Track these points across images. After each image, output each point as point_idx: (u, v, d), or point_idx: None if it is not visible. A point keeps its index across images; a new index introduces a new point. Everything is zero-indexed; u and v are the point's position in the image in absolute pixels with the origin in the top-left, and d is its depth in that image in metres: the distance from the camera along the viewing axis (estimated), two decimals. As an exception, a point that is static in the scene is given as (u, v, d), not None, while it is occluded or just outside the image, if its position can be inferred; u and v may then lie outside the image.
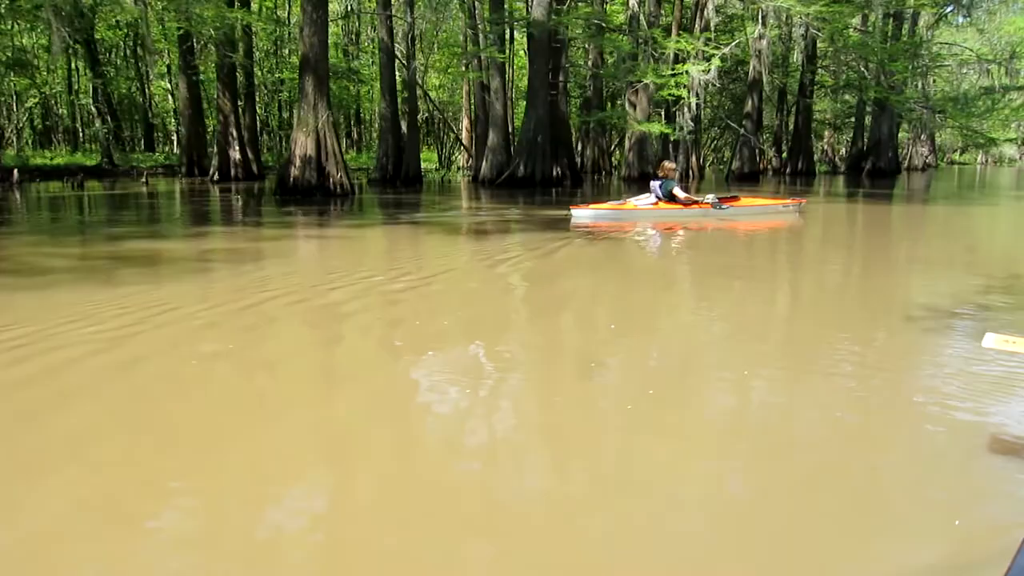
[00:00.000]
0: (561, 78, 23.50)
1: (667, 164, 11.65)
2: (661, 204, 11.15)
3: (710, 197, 11.18)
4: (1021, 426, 2.92)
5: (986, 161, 74.98)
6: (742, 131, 27.20)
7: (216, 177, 23.37)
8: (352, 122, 37.19)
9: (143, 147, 36.14)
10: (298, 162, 16.48)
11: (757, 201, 12.54)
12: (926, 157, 54.66)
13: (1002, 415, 3.03)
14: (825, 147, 48.18)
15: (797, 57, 34.16)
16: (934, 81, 51.16)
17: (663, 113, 25.61)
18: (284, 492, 2.41)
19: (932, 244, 10.32)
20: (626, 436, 2.89)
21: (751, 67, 27.23)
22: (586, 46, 27.09)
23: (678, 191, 11.14)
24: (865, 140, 36.76)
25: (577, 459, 2.72)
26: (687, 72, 17.08)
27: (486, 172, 21.66)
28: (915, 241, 10.63)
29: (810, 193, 19.90)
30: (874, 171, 35.09)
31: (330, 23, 21.40)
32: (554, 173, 23.57)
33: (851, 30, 24.17)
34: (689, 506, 2.34)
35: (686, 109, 19.04)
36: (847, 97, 35.08)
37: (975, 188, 27.18)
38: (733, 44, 18.05)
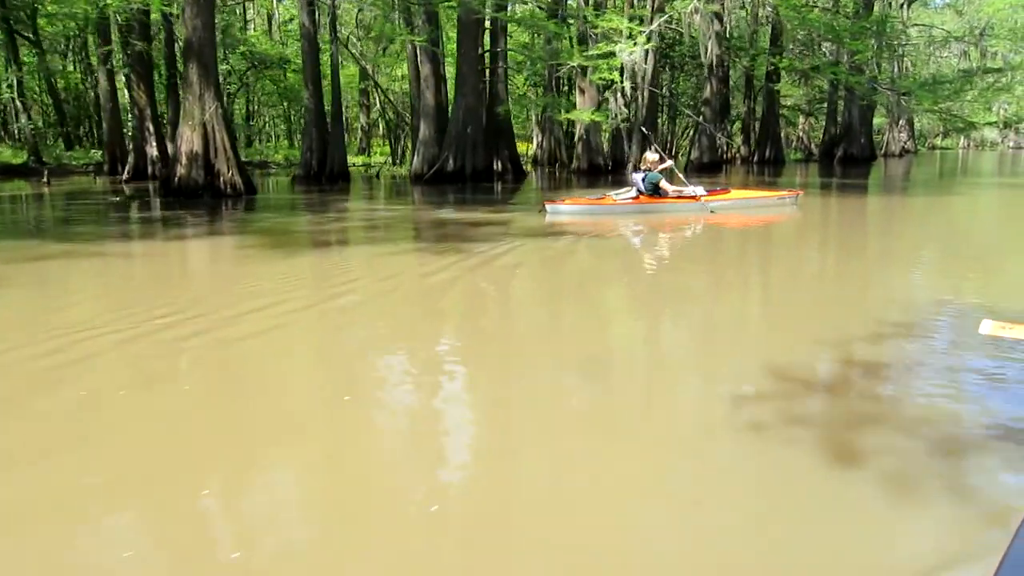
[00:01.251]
0: (501, 64, 21.80)
1: (649, 156, 10.89)
2: (643, 199, 10.52)
3: (698, 190, 10.68)
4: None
5: (968, 146, 73.63)
6: (699, 119, 25.55)
7: (128, 176, 21.58)
8: (294, 115, 35.24)
9: (96, 144, 34.10)
10: (184, 160, 14.74)
11: (750, 194, 11.82)
12: (904, 143, 53.18)
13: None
14: (801, 134, 46.61)
15: (766, 41, 32.52)
16: (913, 65, 49.69)
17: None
18: None
19: (901, 253, 8.75)
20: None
21: (708, 49, 25.57)
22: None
23: (665, 184, 10.51)
24: (838, 126, 35.21)
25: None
26: (615, 53, 15.36)
27: (418, 167, 19.93)
28: (879, 248, 9.06)
29: (775, 186, 18.42)
30: (846, 158, 33.54)
31: (241, 4, 19.58)
32: (494, 166, 21.92)
33: (816, 9, 22.50)
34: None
35: (619, 95, 17.37)
36: (818, 82, 33.39)
37: (950, 175, 25.66)
38: (662, 20, 16.18)
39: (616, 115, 18.11)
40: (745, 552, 2.08)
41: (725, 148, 34.67)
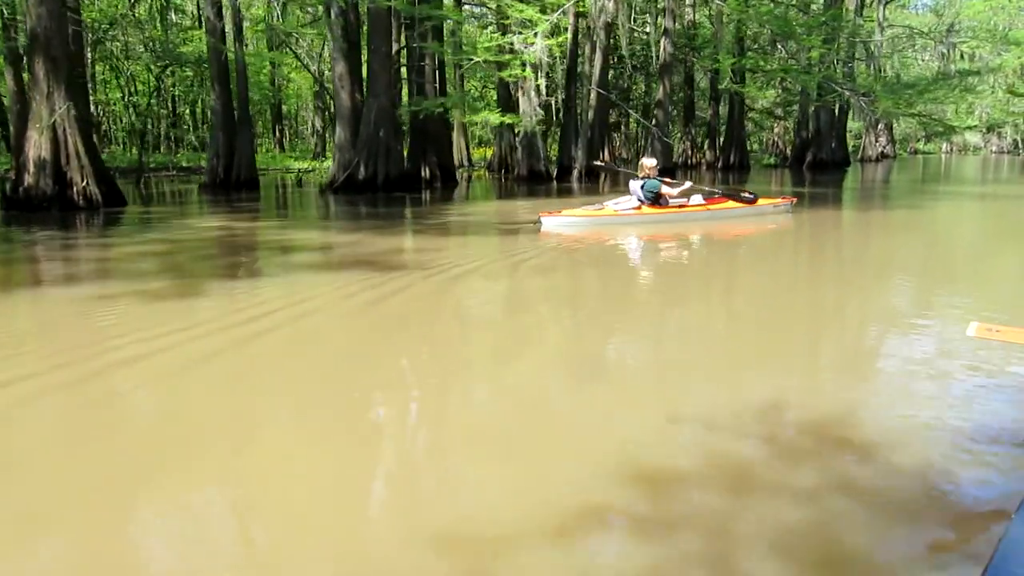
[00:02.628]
0: (428, 61, 19.98)
1: (646, 162, 10.29)
2: (645, 208, 9.88)
3: (696, 197, 10.30)
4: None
5: (951, 150, 72.36)
6: (653, 123, 23.83)
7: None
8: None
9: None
10: (31, 168, 12.87)
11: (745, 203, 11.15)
12: (884, 147, 51.68)
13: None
14: (776, 139, 45.00)
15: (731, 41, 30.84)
16: (892, 68, 48.20)
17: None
18: None
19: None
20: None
21: (661, 48, 23.88)
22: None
23: (667, 190, 9.93)
24: (810, 130, 33.55)
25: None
26: (514, 45, 13.51)
27: (333, 174, 18.07)
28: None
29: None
30: (815, 163, 31.87)
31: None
32: (423, 173, 20.11)
33: (771, 4, 20.79)
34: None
35: (532, 93, 15.60)
36: (790, 84, 31.71)
37: (921, 182, 23.99)
38: (570, 3, 14.19)
39: (531, 117, 16.31)
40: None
41: (690, 152, 33.03)
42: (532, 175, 21.66)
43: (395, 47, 18.40)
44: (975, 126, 55.93)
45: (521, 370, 4.14)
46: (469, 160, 31.63)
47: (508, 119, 14.61)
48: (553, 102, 27.55)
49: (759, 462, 2.71)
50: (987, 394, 3.33)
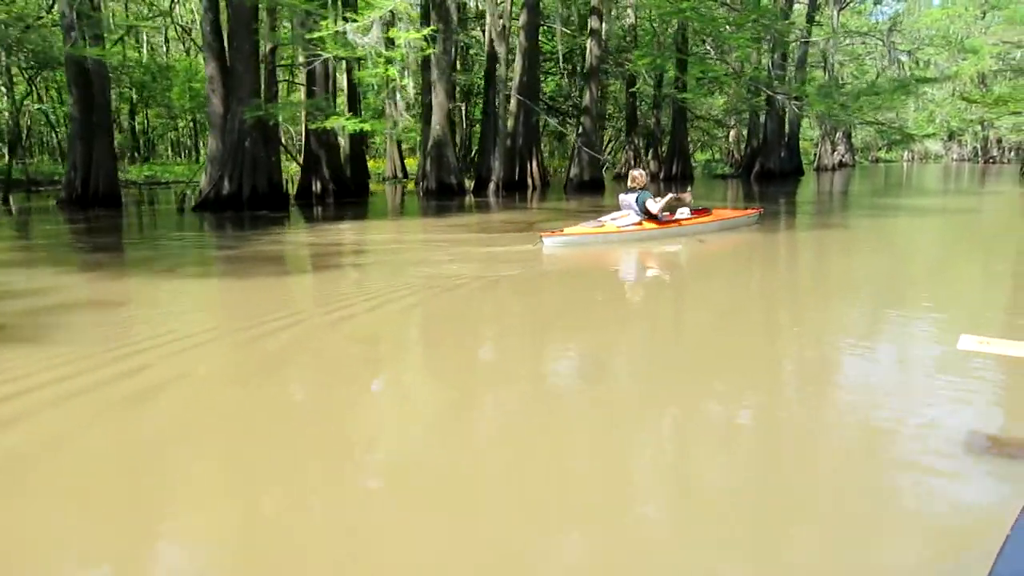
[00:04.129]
0: (319, 61, 17.84)
1: (636, 173, 9.86)
2: (646, 224, 9.55)
3: (684, 211, 10.05)
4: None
5: (912, 158, 71.72)
6: (578, 132, 21.96)
7: None
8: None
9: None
10: None
11: (725, 214, 10.95)
12: (842, 156, 50.42)
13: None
14: (731, 147, 43.49)
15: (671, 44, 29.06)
16: (849, 75, 47.07)
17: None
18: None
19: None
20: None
21: (588, 51, 22.01)
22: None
23: (651, 204, 9.51)
24: (759, 139, 31.94)
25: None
26: (347, 34, 11.36)
27: (204, 188, 15.88)
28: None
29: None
30: (763, 173, 30.23)
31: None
32: (312, 187, 17.98)
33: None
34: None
35: (397, 95, 13.54)
36: (736, 90, 30.02)
37: (874, 195, 22.29)
38: None
39: (397, 123, 14.29)
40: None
41: (633, 163, 31.22)
42: (442, 188, 19.62)
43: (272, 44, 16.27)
44: (933, 134, 54.99)
45: None
46: (404, 172, 29.46)
47: (370, 125, 12.46)
48: (463, 108, 25.55)
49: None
50: (982, 405, 3.42)
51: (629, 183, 9.73)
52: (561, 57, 26.80)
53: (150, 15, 25.82)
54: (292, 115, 13.34)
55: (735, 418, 3.41)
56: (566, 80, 30.68)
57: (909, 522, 2.39)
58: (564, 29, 25.01)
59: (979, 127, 54.40)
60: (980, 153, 64.18)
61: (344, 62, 17.10)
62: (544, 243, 8.92)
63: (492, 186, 20.41)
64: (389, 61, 12.50)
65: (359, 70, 13.86)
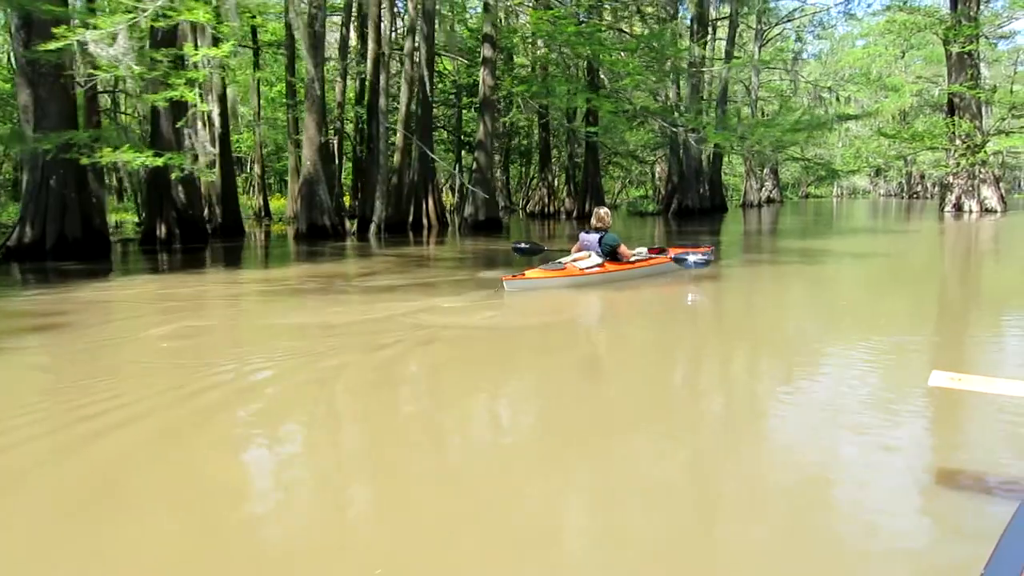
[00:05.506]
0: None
1: (602, 211, 9.49)
2: (609, 266, 9.18)
3: (641, 251, 9.90)
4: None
5: (841, 194, 72.68)
6: (473, 169, 20.34)
7: None
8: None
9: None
10: None
11: (690, 251, 10.62)
12: (770, 192, 50.23)
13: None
14: (658, 183, 42.65)
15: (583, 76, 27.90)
16: (774, 113, 46.92)
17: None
18: None
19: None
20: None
21: (481, 81, 20.53)
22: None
23: (623, 248, 9.25)
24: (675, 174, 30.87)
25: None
26: (87, 46, 9.39)
27: (14, 235, 13.56)
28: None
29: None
30: (681, 210, 29.11)
31: None
32: (156, 231, 15.82)
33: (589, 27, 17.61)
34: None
35: (199, 125, 11.66)
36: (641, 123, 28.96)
37: (791, 234, 21.13)
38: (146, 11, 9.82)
39: (199, 156, 12.40)
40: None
41: (547, 200, 29.82)
42: (314, 231, 17.68)
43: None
44: (857, 171, 55.42)
45: None
46: (267, 212, 26.86)
47: (163, 160, 10.44)
48: (339, 140, 23.76)
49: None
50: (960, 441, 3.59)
51: (593, 222, 9.35)
52: (464, 89, 25.29)
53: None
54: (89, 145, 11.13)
55: (668, 470, 3.33)
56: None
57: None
58: (460, 58, 23.54)
59: (902, 163, 55.01)
60: (905, 188, 65.21)
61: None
62: (505, 287, 8.55)
63: (373, 227, 18.56)
64: (191, 82, 10.58)
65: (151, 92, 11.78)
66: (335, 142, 20.49)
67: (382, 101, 18.66)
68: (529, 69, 25.82)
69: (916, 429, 3.78)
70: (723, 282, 10.13)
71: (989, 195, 29.38)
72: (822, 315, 7.94)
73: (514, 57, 25.39)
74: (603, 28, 17.80)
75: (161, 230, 15.81)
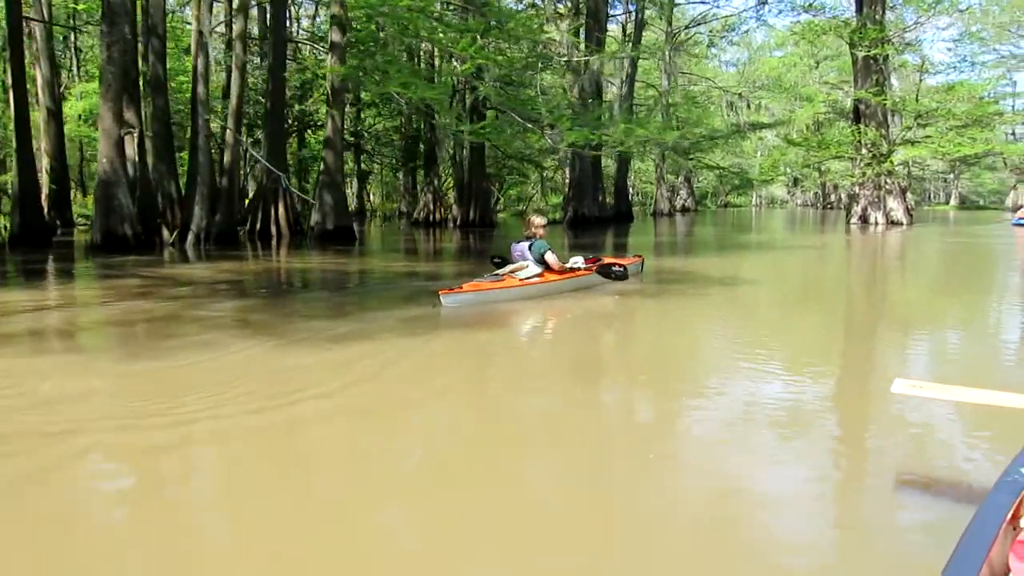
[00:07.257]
0: None
1: (536, 219, 8.98)
2: (548, 276, 8.76)
3: (578, 260, 9.42)
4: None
5: (760, 203, 72.65)
6: (320, 171, 17.63)
7: None
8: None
9: None
10: None
11: (618, 262, 9.95)
12: (685, 200, 48.93)
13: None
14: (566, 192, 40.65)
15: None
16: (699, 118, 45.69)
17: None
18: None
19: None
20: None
21: (328, 71, 17.84)
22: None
23: (551, 257, 8.72)
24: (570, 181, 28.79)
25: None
26: None
27: None
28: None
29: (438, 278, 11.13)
30: (577, 219, 27.00)
31: None
32: None
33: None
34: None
35: None
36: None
37: (689, 249, 19.10)
38: None
39: None
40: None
41: (432, 207, 27.25)
42: (112, 242, 14.69)
43: None
44: (771, 180, 54.82)
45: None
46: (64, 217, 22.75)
47: None
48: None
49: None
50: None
51: (525, 229, 9.02)
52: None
53: None
54: None
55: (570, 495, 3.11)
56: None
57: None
58: (311, 44, 20.78)
59: (817, 173, 54.71)
60: (820, 198, 65.29)
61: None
62: (443, 302, 8.03)
63: (191, 238, 15.67)
64: None
65: None
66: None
67: (200, 89, 15.80)
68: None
69: (850, 439, 3.80)
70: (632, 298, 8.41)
71: (895, 207, 28.33)
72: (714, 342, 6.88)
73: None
74: (450, 4, 15.43)
75: None
